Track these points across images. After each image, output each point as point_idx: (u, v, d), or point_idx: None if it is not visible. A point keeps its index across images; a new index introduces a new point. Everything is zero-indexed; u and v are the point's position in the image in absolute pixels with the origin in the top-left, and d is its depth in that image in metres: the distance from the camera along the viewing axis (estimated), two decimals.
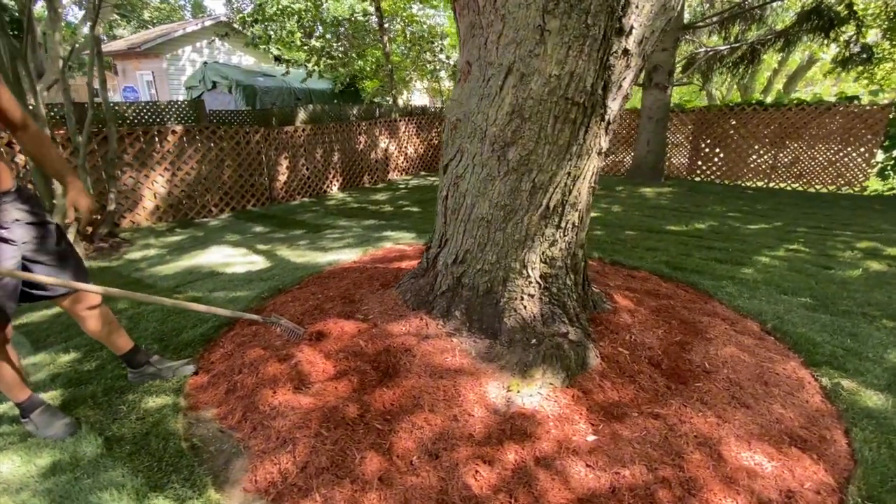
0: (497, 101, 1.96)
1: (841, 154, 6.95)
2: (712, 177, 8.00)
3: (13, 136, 1.63)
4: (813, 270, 3.76)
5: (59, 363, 2.36)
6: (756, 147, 7.51)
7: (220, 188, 6.06)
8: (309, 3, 8.86)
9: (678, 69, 9.42)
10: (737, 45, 8.09)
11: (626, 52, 1.95)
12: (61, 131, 4.56)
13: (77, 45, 4.35)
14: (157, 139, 5.36)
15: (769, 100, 8.28)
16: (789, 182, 7.42)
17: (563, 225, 2.13)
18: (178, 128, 5.52)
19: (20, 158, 4.09)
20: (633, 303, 2.80)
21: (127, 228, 5.31)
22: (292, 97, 9.74)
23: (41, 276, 1.69)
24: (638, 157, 7.91)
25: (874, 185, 7.19)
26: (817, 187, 7.23)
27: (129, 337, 2.15)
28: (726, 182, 7.89)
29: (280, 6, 8.14)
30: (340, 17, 9.30)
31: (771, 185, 7.58)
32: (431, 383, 1.85)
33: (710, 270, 3.71)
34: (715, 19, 8.47)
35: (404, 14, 9.90)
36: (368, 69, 9.60)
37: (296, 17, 8.58)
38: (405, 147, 8.76)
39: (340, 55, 9.41)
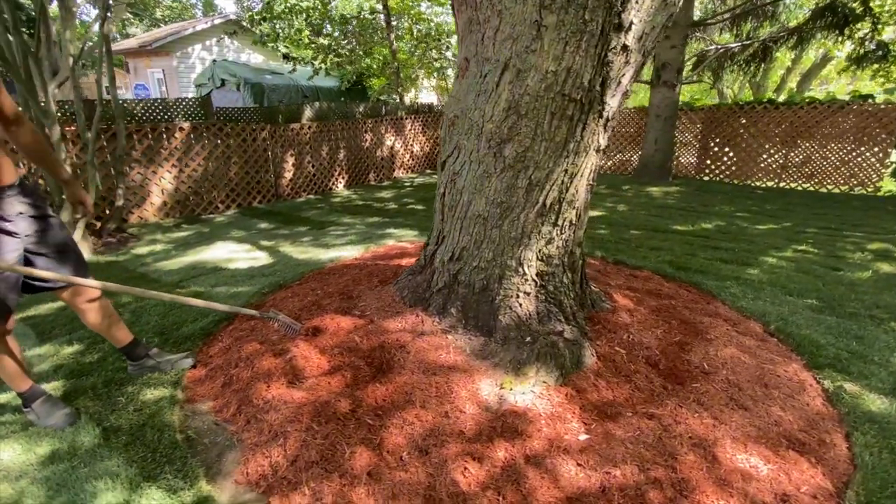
0: (493, 98, 1.95)
1: (854, 154, 6.82)
2: (721, 176, 7.89)
3: (6, 133, 1.66)
4: (821, 272, 3.69)
5: (63, 355, 2.40)
6: (766, 146, 7.39)
7: (226, 185, 6.11)
8: (317, 1, 8.90)
9: (688, 67, 9.31)
10: (748, 42, 7.97)
11: (625, 47, 1.93)
12: (71, 128, 4.63)
13: (91, 44, 4.41)
14: (164, 136, 5.42)
15: (782, 98, 8.14)
16: (800, 182, 7.30)
17: (559, 223, 2.12)
18: (186, 125, 5.58)
19: None
20: (633, 302, 2.77)
21: (135, 224, 5.38)
22: (300, 95, 9.80)
23: (40, 271, 1.72)
24: (645, 156, 7.82)
25: (888, 185, 7.04)
26: (829, 187, 7.10)
27: (130, 330, 2.18)
28: (735, 182, 7.78)
29: (288, 4, 8.18)
30: (348, 15, 9.33)
31: (781, 184, 7.46)
32: (424, 380, 1.85)
33: (714, 271, 3.67)
34: (726, 16, 8.34)
35: (412, 12, 9.90)
36: (375, 67, 9.62)
37: (304, 14, 8.62)
38: (411, 145, 8.76)
39: (347, 53, 9.44)
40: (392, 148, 8.40)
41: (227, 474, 1.62)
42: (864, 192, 6.89)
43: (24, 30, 4.45)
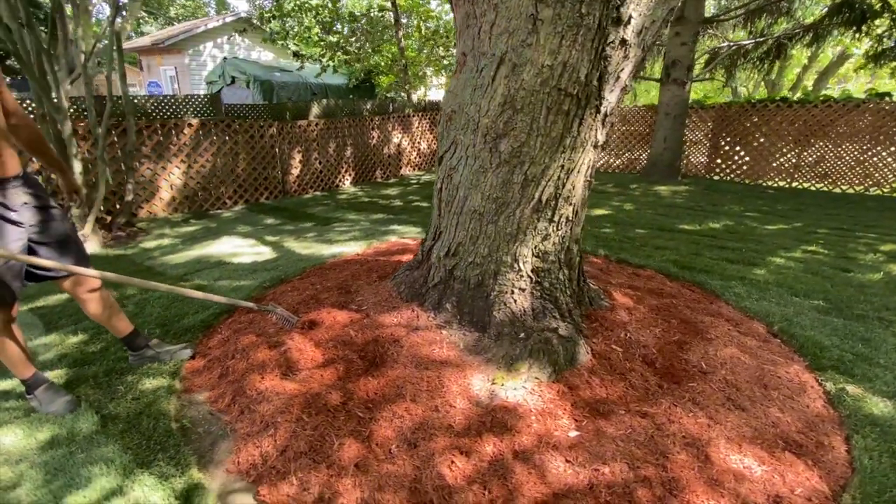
0: (489, 92, 1.94)
1: (870, 153, 6.66)
2: (732, 175, 7.77)
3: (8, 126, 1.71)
4: (830, 273, 3.62)
5: (68, 344, 2.46)
6: (779, 145, 7.25)
7: (234, 181, 6.18)
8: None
9: (699, 64, 9.18)
10: (762, 39, 7.82)
11: (623, 42, 1.91)
12: (83, 123, 4.72)
13: (105, 41, 4.49)
14: (174, 132, 5.49)
15: (796, 97, 7.98)
16: (813, 182, 7.15)
17: (556, 219, 2.10)
18: (195, 121, 5.65)
19: None
20: (633, 301, 2.74)
21: (144, 218, 5.47)
22: (308, 92, 9.86)
23: (42, 260, 1.76)
24: (654, 155, 7.73)
25: None
26: (843, 187, 6.95)
27: (134, 321, 2.23)
28: (747, 181, 7.65)
29: (298, 2, 8.23)
30: (358, 13, 9.36)
31: (794, 184, 7.32)
32: (416, 374, 1.85)
33: (719, 270, 3.61)
34: (740, 12, 8.20)
35: (420, 10, 9.90)
36: (383, 64, 9.64)
37: (313, 12, 8.66)
38: (418, 142, 8.77)
39: (355, 50, 9.47)
40: (399, 145, 8.41)
41: (219, 463, 1.64)
42: (881, 193, 6.73)
43: (42, 28, 4.56)
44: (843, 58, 14.92)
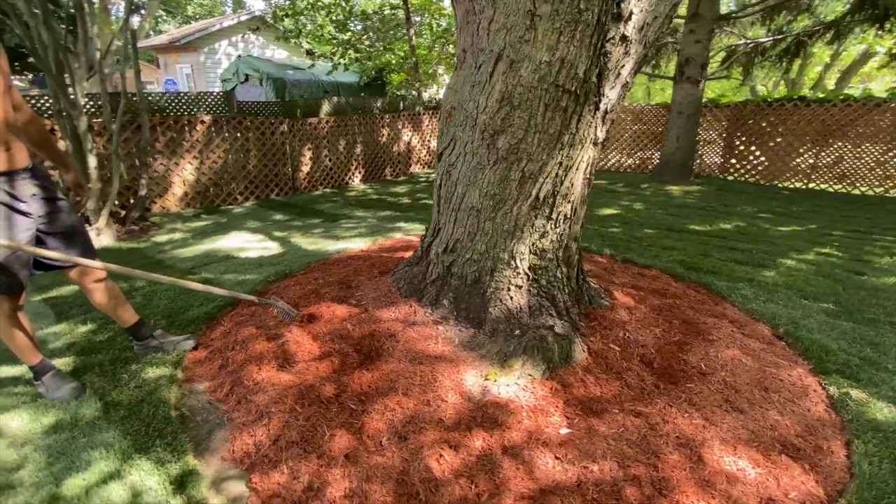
0: (487, 89, 1.94)
1: (891, 154, 6.47)
2: (746, 176, 7.62)
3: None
4: (842, 276, 3.54)
5: (76, 333, 2.53)
6: (796, 145, 7.09)
7: (245, 177, 6.27)
8: None
9: (715, 62, 9.02)
10: (780, 37, 7.65)
11: (624, 38, 1.89)
12: (99, 120, 4.83)
13: (120, 41, 4.60)
14: (186, 128, 5.60)
15: (815, 95, 7.79)
16: (831, 183, 6.98)
17: (554, 216, 2.09)
18: (207, 118, 5.74)
19: (62, 144, 4.36)
20: (635, 300, 2.72)
21: (157, 213, 5.58)
22: (320, 90, 9.95)
23: (49, 251, 1.81)
24: (666, 154, 7.62)
25: None
26: (862, 189, 6.76)
27: (141, 312, 2.28)
28: (761, 182, 7.50)
29: (310, 0, 8.30)
30: (370, 11, 9.40)
31: (811, 185, 7.15)
32: (410, 368, 1.87)
33: (727, 272, 3.56)
34: (758, 8, 8.02)
35: (432, 8, 9.90)
36: (394, 62, 9.68)
37: (325, 10, 8.73)
38: (428, 140, 8.79)
39: (367, 48, 9.52)
40: (409, 143, 8.44)
41: (215, 451, 1.68)
42: None
43: (63, 26, 4.68)
44: (866, 56, 14.50)
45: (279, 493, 1.47)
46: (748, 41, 8.24)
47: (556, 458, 1.56)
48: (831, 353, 2.35)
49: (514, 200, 2.03)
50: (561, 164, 2.00)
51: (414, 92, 8.62)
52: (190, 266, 3.68)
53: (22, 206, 1.75)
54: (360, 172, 7.76)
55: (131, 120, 5.08)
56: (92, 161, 4.26)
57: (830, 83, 16.20)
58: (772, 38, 7.81)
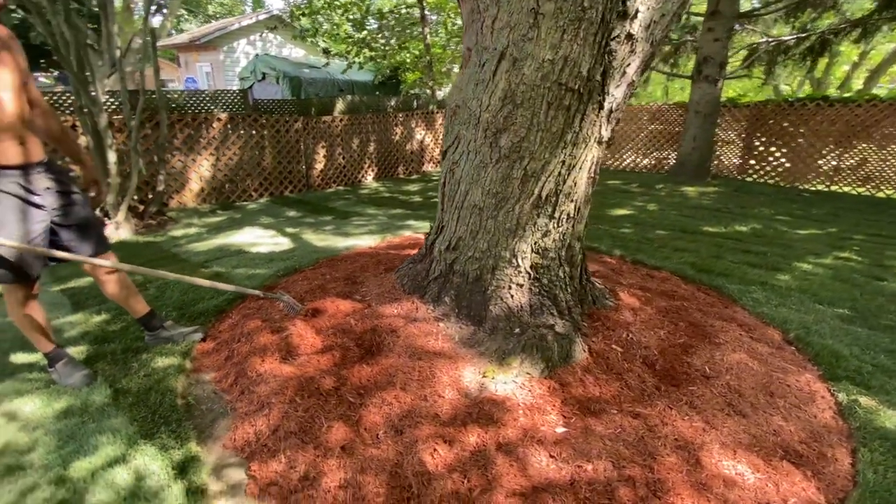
0: (490, 87, 1.94)
1: None
2: (765, 177, 7.44)
3: (32, 117, 1.84)
4: (861, 281, 3.44)
5: (91, 323, 2.62)
6: (818, 146, 6.89)
7: (260, 174, 6.38)
8: None
9: (736, 61, 8.83)
10: (804, 35, 7.44)
11: (630, 36, 1.87)
12: (119, 116, 4.97)
13: (146, 38, 4.73)
14: (203, 126, 5.72)
15: (839, 95, 7.56)
16: (854, 186, 6.77)
17: (556, 215, 2.09)
18: (223, 115, 5.86)
19: (82, 140, 4.51)
20: (641, 302, 2.69)
21: (174, 208, 5.72)
22: (335, 88, 10.05)
23: (59, 252, 1.87)
24: (682, 154, 7.49)
25: None
26: (887, 192, 6.54)
27: (154, 303, 2.35)
28: (781, 184, 7.31)
29: (327, 0, 8.41)
30: (385, 11, 9.46)
31: (833, 188, 6.95)
32: (409, 363, 1.88)
33: (739, 274, 3.49)
34: (781, 5, 7.82)
35: (448, 7, 9.90)
36: (409, 61, 9.72)
37: (342, 9, 8.81)
38: (441, 139, 8.80)
39: (381, 47, 9.58)
40: (422, 142, 8.47)
41: (217, 439, 1.72)
42: None
43: (88, 24, 4.82)
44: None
45: (276, 482, 1.50)
46: (770, 39, 8.04)
47: (551, 456, 1.56)
48: (842, 359, 2.29)
49: (517, 199, 2.03)
50: (564, 162, 1.99)
51: (428, 91, 8.65)
52: (203, 260, 3.77)
53: (36, 199, 1.81)
54: (373, 170, 7.81)
55: (150, 117, 5.21)
56: (112, 157, 4.39)
57: (858, 83, 15.69)
58: (795, 37, 7.60)
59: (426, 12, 8.81)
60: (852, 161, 6.72)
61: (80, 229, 1.97)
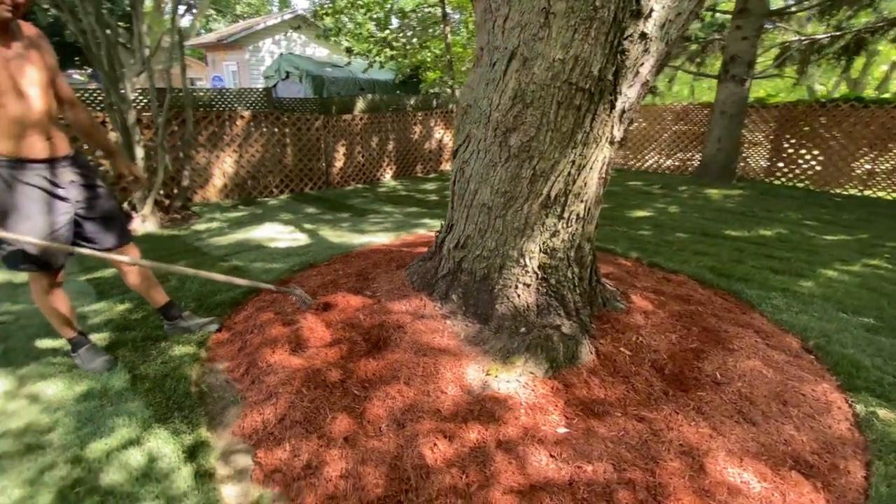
0: (501, 86, 1.95)
1: None
2: (794, 181, 7.19)
3: (62, 112, 1.93)
4: (890, 290, 3.30)
5: (114, 311, 2.73)
6: (851, 149, 6.63)
7: (281, 171, 6.51)
8: None
9: (766, 60, 8.55)
10: (838, 34, 7.16)
11: (643, 35, 1.85)
12: (147, 113, 5.16)
13: (173, 37, 4.89)
14: (227, 123, 5.87)
15: (874, 96, 7.24)
16: (889, 191, 6.48)
17: (566, 215, 2.08)
18: (246, 113, 6.00)
19: (112, 136, 4.69)
20: (654, 305, 2.65)
21: (198, 203, 5.89)
22: (357, 87, 10.17)
23: (81, 249, 1.96)
24: (707, 156, 7.30)
25: None
26: None
27: (174, 294, 2.43)
28: (811, 187, 7.06)
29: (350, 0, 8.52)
30: (407, 10, 9.51)
31: (866, 193, 6.67)
32: (414, 359, 1.91)
33: (760, 280, 3.40)
34: (814, 3, 7.54)
35: (470, 6, 9.90)
36: (430, 60, 9.75)
37: (364, 9, 8.91)
38: None
39: (402, 46, 9.64)
40: (441, 141, 8.50)
41: (227, 426, 1.78)
42: None
43: (120, 24, 5.01)
44: None
45: (280, 469, 1.54)
46: (803, 38, 7.76)
47: (551, 456, 1.56)
48: (863, 370, 2.21)
49: (525, 198, 2.03)
50: (574, 162, 1.98)
51: (448, 90, 8.68)
52: (223, 254, 3.88)
53: (60, 192, 1.90)
54: (391, 169, 7.88)
55: (177, 114, 5.38)
56: (139, 152, 4.56)
57: None
58: (829, 35, 7.32)
59: (448, 11, 8.83)
60: (888, 165, 6.44)
61: (104, 222, 2.06)
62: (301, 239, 4.38)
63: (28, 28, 1.77)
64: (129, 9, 4.93)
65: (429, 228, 4.60)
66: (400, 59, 9.84)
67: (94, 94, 6.56)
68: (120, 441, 1.66)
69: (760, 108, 7.28)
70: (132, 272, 2.23)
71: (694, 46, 9.23)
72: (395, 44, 9.54)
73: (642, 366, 2.08)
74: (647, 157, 8.68)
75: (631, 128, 8.57)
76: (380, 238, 4.23)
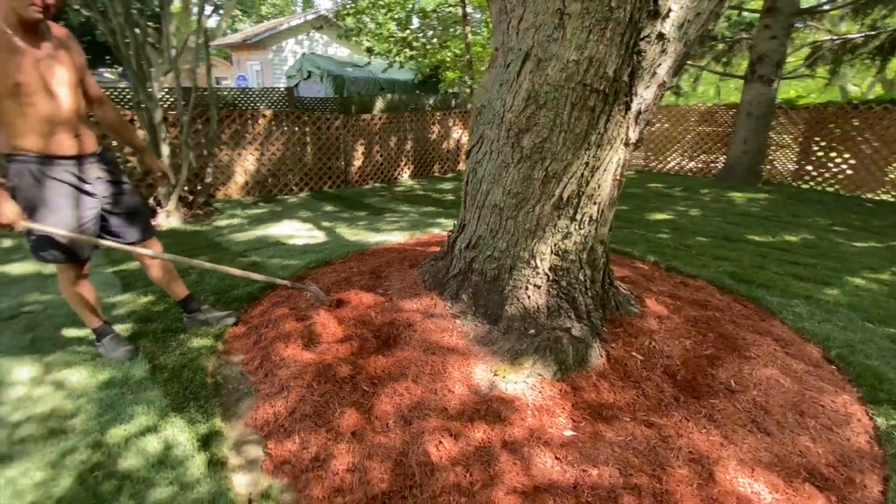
0: (514, 87, 1.95)
1: None
2: (824, 185, 6.95)
3: (90, 110, 2.02)
4: None
5: (138, 303, 2.83)
6: (884, 153, 6.37)
7: (301, 169, 6.62)
8: None
9: (797, 59, 8.29)
10: (873, 33, 6.89)
11: (661, 36, 1.83)
12: (173, 112, 5.31)
13: (199, 37, 5.02)
14: (249, 122, 6.00)
15: None
16: None
17: (578, 217, 2.06)
18: (268, 112, 6.13)
19: (140, 133, 4.85)
20: (669, 310, 2.60)
21: (220, 199, 6.05)
22: (377, 86, 10.27)
23: (105, 241, 2.04)
24: (732, 158, 7.12)
25: None
26: None
27: (194, 288, 2.51)
28: (841, 192, 6.81)
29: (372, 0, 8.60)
30: (429, 10, 9.55)
31: None
32: (423, 357, 1.93)
33: (782, 286, 3.31)
34: (848, 0, 7.27)
35: None
36: (450, 60, 9.77)
37: (386, 9, 8.99)
38: None
39: (422, 45, 9.69)
40: (459, 140, 8.50)
41: (240, 417, 1.83)
42: None
43: (150, 24, 5.18)
44: None
45: (289, 460, 1.58)
46: (835, 37, 7.50)
47: (556, 458, 1.55)
48: (886, 382, 2.14)
49: (537, 200, 2.03)
50: (587, 164, 1.97)
51: (467, 89, 8.68)
52: (242, 249, 3.97)
53: (87, 188, 1.98)
54: (409, 168, 7.93)
55: (201, 113, 5.53)
56: (165, 150, 4.70)
57: None
58: (863, 35, 7.05)
59: (469, 10, 8.83)
60: None
61: (129, 216, 2.14)
62: (318, 236, 4.45)
63: (57, 29, 1.85)
64: (158, 9, 5.09)
65: (443, 228, 4.62)
66: (420, 59, 9.88)
67: (124, 93, 6.79)
68: (138, 428, 1.73)
69: (789, 109, 7.06)
70: (154, 266, 2.31)
71: (720, 46, 9.02)
72: (414, 44, 9.59)
73: (654, 371, 2.05)
74: (668, 159, 8.52)
75: (652, 129, 8.42)
76: (395, 237, 4.27)
